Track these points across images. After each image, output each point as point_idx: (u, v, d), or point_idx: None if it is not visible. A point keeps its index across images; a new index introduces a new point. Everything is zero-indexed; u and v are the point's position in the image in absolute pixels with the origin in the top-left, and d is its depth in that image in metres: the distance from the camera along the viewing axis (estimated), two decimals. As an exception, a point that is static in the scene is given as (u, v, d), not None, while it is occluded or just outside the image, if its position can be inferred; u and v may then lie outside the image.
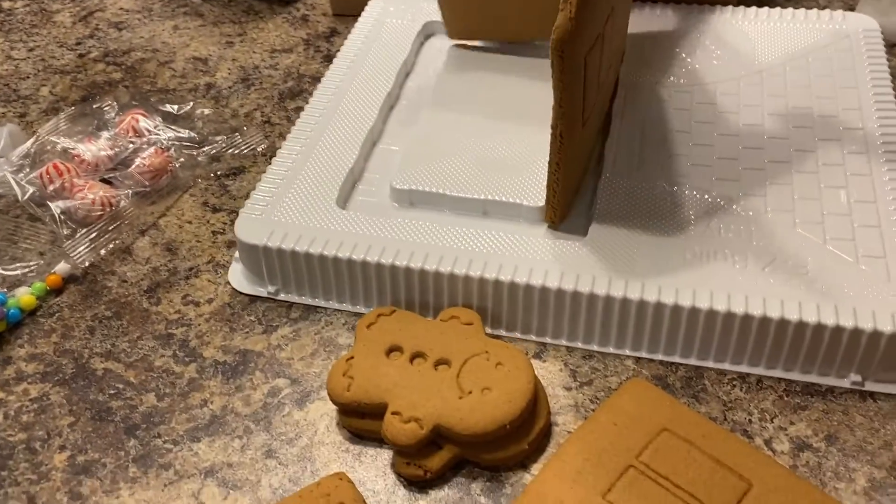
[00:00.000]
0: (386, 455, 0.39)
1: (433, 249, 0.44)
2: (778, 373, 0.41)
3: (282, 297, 0.46)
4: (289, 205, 0.47)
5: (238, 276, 0.48)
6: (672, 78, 0.54)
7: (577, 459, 0.36)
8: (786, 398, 0.40)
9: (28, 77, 0.65)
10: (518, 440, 0.38)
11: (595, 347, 0.43)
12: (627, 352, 0.43)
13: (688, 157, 0.49)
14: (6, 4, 0.74)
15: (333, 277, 0.45)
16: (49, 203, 0.50)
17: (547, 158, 0.47)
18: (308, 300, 0.46)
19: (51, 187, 0.51)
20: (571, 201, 0.47)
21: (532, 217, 0.46)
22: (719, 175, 0.47)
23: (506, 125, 0.51)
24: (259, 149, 0.56)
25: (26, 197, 0.51)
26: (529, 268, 0.42)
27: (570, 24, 0.37)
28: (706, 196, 0.46)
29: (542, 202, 0.45)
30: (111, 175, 0.53)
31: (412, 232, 0.45)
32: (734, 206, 0.45)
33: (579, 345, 0.43)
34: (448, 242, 0.44)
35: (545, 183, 0.45)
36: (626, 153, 0.49)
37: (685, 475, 0.35)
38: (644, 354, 0.42)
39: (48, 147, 0.54)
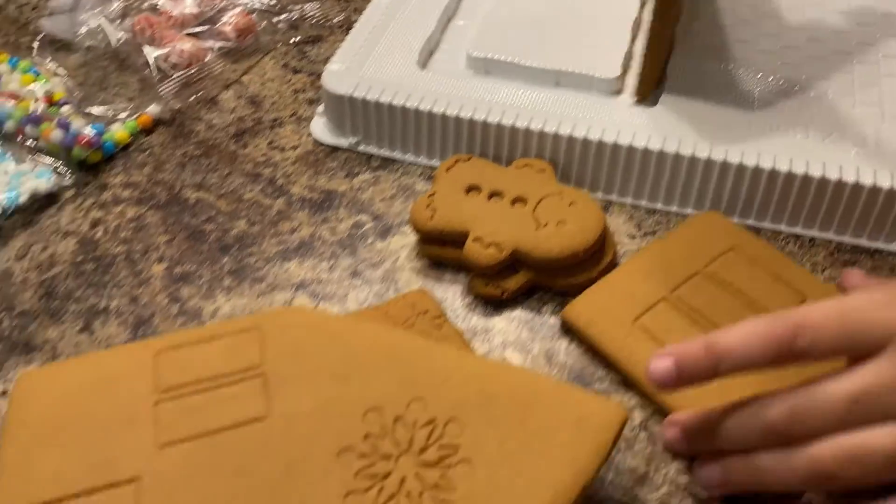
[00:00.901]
0: (462, 280, 0.42)
1: (508, 107, 0.46)
2: (830, 235, 0.44)
3: (362, 148, 0.49)
4: (372, 63, 0.49)
5: (321, 129, 0.50)
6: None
7: (648, 263, 0.40)
8: (836, 255, 0.43)
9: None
10: (587, 269, 0.41)
11: (659, 206, 0.46)
12: (690, 210, 0.45)
13: (755, 43, 0.51)
14: None
15: (413, 130, 0.47)
16: (144, 49, 0.53)
17: (623, 31, 0.49)
18: (387, 152, 0.49)
19: (143, 36, 0.53)
20: (658, 77, 0.49)
21: (604, 88, 0.48)
22: (784, 61, 0.50)
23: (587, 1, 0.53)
24: (335, 20, 0.58)
25: (120, 43, 0.54)
26: (601, 127, 0.45)
27: None
28: (771, 78, 0.48)
29: (614, 74, 0.48)
30: (197, 30, 0.55)
31: (488, 92, 0.47)
32: (797, 88, 0.48)
33: (644, 202, 0.46)
34: (523, 103, 0.47)
35: (618, 55, 0.48)
36: (698, 36, 0.51)
37: (748, 284, 0.38)
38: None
39: (136, 3, 0.57)
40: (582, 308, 0.38)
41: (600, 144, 0.44)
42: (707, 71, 0.49)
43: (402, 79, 0.48)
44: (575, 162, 0.46)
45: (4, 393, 0.38)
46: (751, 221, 0.45)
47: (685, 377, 0.31)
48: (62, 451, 0.31)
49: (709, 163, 0.43)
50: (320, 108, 0.51)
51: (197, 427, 0.31)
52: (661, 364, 0.31)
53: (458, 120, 0.46)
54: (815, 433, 0.30)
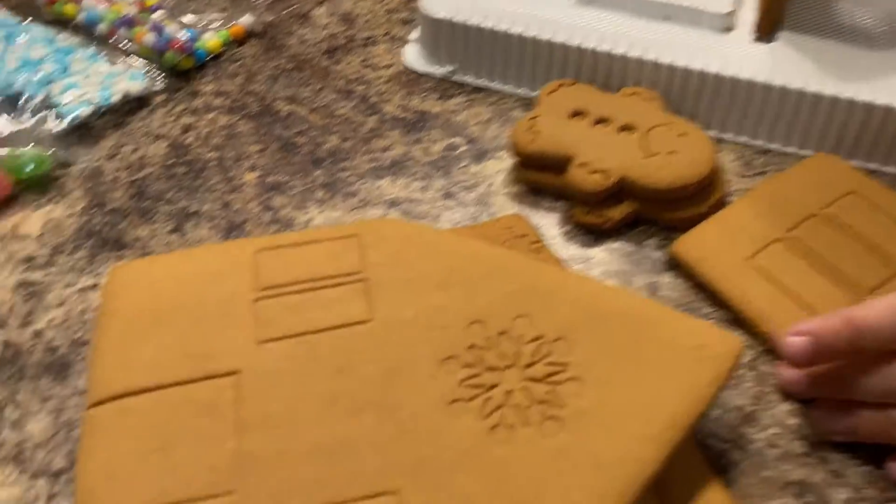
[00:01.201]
0: (560, 208, 0.40)
1: (616, 36, 0.44)
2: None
3: (457, 77, 0.47)
4: None
5: (414, 55, 0.49)
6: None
7: (762, 201, 0.38)
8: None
9: None
10: (695, 203, 0.39)
11: (775, 146, 0.43)
12: (807, 152, 0.43)
13: None
14: None
15: (515, 57, 0.46)
16: (239, -42, 0.52)
17: None
18: (485, 82, 0.47)
19: (239, -54, 0.52)
20: (782, 15, 0.46)
21: (715, 24, 0.46)
22: None
23: None
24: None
25: (215, -48, 0.53)
26: (717, 60, 0.43)
27: None
28: (893, 25, 0.46)
29: (726, 9, 0.45)
30: (293, -55, 0.54)
31: (594, 20, 0.45)
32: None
33: (758, 142, 0.44)
34: (630, 33, 0.45)
35: None
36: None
37: (870, 229, 0.36)
38: (816, 152, 0.43)
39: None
40: (693, 243, 0.37)
41: (717, 78, 0.42)
42: (828, 8, 0.46)
43: (504, 4, 0.46)
44: (687, 95, 0.43)
45: (95, 286, 0.38)
46: (873, 166, 0.42)
47: (824, 353, 0.30)
48: (159, 341, 0.31)
49: (834, 101, 0.41)
50: (413, 34, 0.49)
51: (298, 326, 0.31)
52: (799, 341, 0.30)
53: (564, 47, 0.44)
54: None
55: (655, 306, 0.31)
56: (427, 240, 0.33)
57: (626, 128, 0.40)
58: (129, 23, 0.48)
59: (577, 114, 0.41)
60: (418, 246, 0.33)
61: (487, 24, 0.45)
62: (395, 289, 0.32)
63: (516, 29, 0.45)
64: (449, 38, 0.47)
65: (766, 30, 0.44)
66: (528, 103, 0.46)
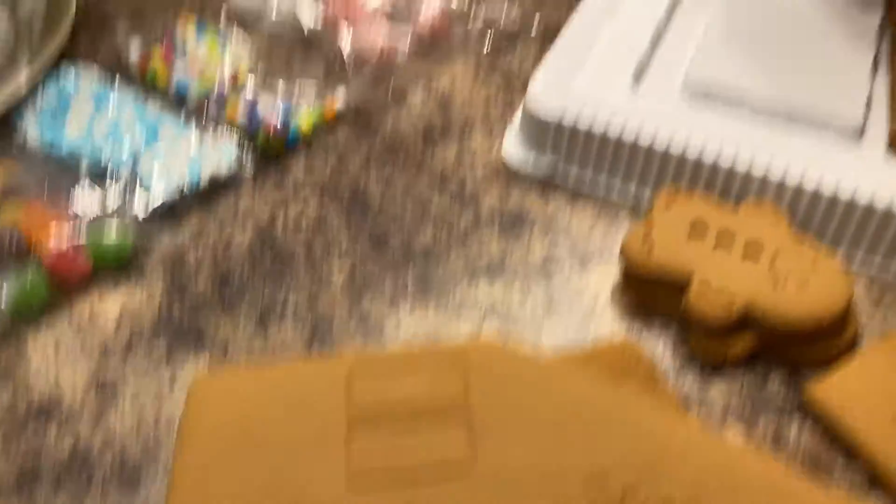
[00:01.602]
0: (674, 332, 0.37)
1: (733, 142, 0.41)
2: None
3: (560, 176, 0.45)
4: (581, 83, 0.44)
5: (515, 148, 0.46)
6: None
7: None
8: None
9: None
10: (826, 341, 0.35)
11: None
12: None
13: None
14: None
15: (625, 160, 0.42)
16: (336, 34, 0.50)
17: (863, 65, 0.44)
18: (590, 183, 0.44)
19: (336, 21, 0.51)
20: None
21: (845, 132, 0.42)
22: None
23: (818, 28, 0.47)
24: (532, 24, 0.54)
25: (311, 27, 0.51)
26: (850, 179, 0.39)
27: None
28: None
29: (858, 118, 0.42)
30: (392, 23, 0.52)
31: (709, 122, 0.42)
32: None
33: (889, 272, 0.40)
34: (751, 138, 0.41)
35: (860, 94, 0.42)
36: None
37: None
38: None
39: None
40: (833, 390, 0.33)
41: (850, 200, 0.39)
42: None
43: (614, 104, 0.43)
44: (814, 214, 0.40)
45: (172, 386, 0.35)
46: None
47: None
48: (244, 474, 0.28)
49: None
50: (514, 125, 0.47)
51: (394, 473, 0.28)
52: None
53: (679, 154, 0.41)
54: None
55: (795, 479, 0.28)
56: (537, 371, 0.30)
57: (751, 248, 0.37)
58: (221, 99, 0.47)
59: (695, 228, 0.38)
60: (527, 378, 0.30)
61: (598, 128, 0.42)
62: (502, 427, 0.29)
63: (627, 134, 0.42)
64: (554, 137, 0.44)
65: (898, 144, 0.41)
66: (636, 209, 0.43)
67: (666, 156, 0.42)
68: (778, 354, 0.36)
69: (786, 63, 0.45)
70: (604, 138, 0.43)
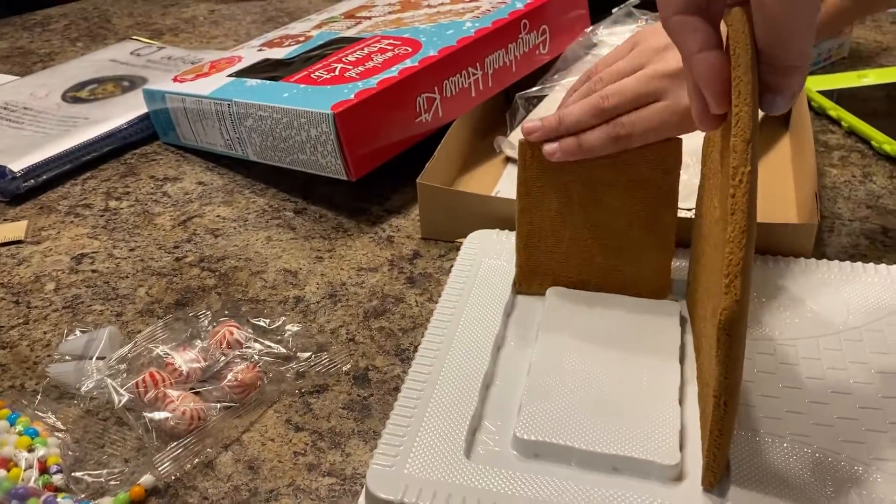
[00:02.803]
0: None
1: (561, 495, 0.43)
2: None
3: None
4: (416, 458, 0.46)
5: None
6: (770, 330, 0.55)
7: None
8: None
9: (127, 276, 0.69)
10: None
11: None
12: None
13: (808, 415, 0.49)
14: (113, 203, 0.80)
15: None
16: (144, 413, 0.52)
17: (672, 404, 0.48)
18: None
19: (146, 397, 0.53)
20: (726, 464, 0.46)
21: (665, 475, 0.45)
22: (845, 437, 0.47)
23: (624, 366, 0.52)
24: (344, 368, 0.58)
25: (121, 404, 0.53)
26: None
27: (737, 307, 0.39)
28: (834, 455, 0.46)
29: (675, 459, 0.45)
30: (202, 387, 0.55)
31: (539, 488, 0.44)
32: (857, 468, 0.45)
33: None
34: (577, 494, 0.44)
35: (674, 435, 0.46)
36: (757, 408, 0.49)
37: None
38: None
39: (144, 353, 0.57)
40: None
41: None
42: (769, 449, 0.46)
43: (449, 475, 0.45)
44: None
45: None
46: None
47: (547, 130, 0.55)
48: None
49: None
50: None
51: None
52: (534, 126, 0.56)
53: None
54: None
55: None
56: None
57: None
58: (23, 496, 0.47)
59: None
60: None
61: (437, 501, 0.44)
62: None
63: None
64: None
65: (712, 481, 0.44)
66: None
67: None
68: None
69: (604, 414, 0.48)
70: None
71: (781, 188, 0.74)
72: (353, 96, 0.71)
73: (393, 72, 0.75)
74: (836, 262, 0.61)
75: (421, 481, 0.45)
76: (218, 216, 0.77)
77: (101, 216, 0.78)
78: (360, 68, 0.77)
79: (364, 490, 0.45)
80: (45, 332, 0.63)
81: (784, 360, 0.53)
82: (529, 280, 0.60)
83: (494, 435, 0.49)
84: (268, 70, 0.83)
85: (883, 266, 0.60)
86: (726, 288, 0.39)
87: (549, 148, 0.55)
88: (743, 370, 0.43)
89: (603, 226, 0.57)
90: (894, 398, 0.50)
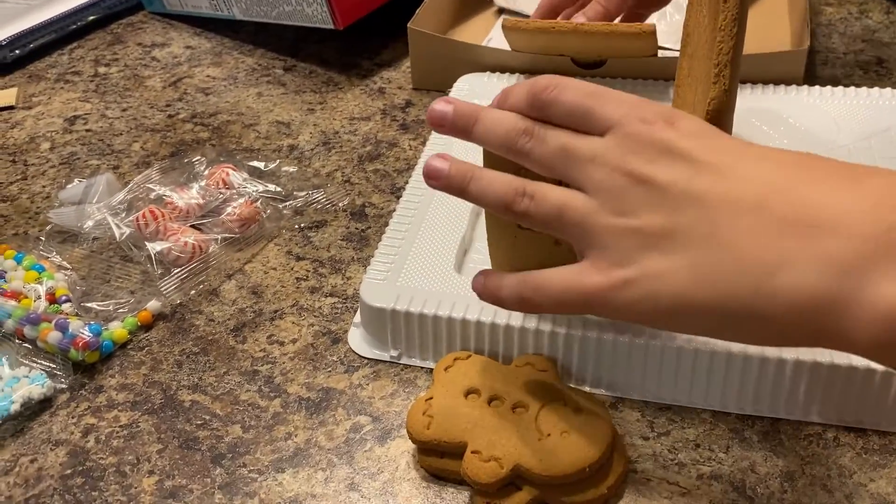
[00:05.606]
0: (465, 494, 0.40)
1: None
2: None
3: (404, 360, 0.47)
4: (409, 271, 0.48)
5: (358, 341, 0.48)
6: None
7: None
8: (864, 455, 0.41)
9: (121, 134, 0.69)
10: (597, 484, 0.38)
11: (671, 402, 0.44)
12: (704, 405, 0.43)
13: None
14: (102, 70, 0.79)
15: (428, 334, 0.46)
16: (146, 244, 0.53)
17: None
18: (431, 364, 0.46)
19: (146, 230, 0.54)
20: None
21: None
22: None
23: None
24: (340, 204, 0.59)
25: (123, 238, 0.54)
26: (606, 326, 0.43)
27: (725, 97, 0.39)
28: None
29: None
30: (201, 222, 0.56)
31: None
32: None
33: (655, 399, 0.44)
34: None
35: None
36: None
37: None
38: (719, 408, 0.43)
39: (142, 195, 0.58)
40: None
41: (602, 341, 0.43)
42: None
43: (440, 285, 0.47)
44: (586, 362, 0.44)
45: None
46: (767, 413, 0.43)
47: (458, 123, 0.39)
48: None
49: (730, 357, 0.41)
50: (356, 319, 0.49)
51: None
52: (441, 107, 0.39)
53: (462, 321, 0.45)
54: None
55: None
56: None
57: (518, 405, 0.40)
58: (35, 320, 0.48)
59: (471, 392, 0.41)
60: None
61: (428, 310, 0.45)
62: None
63: (428, 310, 0.45)
64: (392, 324, 0.46)
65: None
66: (431, 372, 0.46)
67: (451, 324, 0.45)
68: (557, 503, 0.38)
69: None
70: (439, 322, 0.45)
71: (773, 29, 0.73)
72: (338, -59, 0.70)
73: (379, -85, 0.73)
74: (829, 87, 0.61)
75: (413, 290, 0.47)
76: (208, 76, 0.76)
77: (91, 81, 0.77)
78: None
79: (360, 303, 0.47)
80: (43, 186, 0.64)
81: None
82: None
83: (484, 255, 0.51)
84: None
85: (876, 89, 0.61)
86: (715, 77, 0.40)
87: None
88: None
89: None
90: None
